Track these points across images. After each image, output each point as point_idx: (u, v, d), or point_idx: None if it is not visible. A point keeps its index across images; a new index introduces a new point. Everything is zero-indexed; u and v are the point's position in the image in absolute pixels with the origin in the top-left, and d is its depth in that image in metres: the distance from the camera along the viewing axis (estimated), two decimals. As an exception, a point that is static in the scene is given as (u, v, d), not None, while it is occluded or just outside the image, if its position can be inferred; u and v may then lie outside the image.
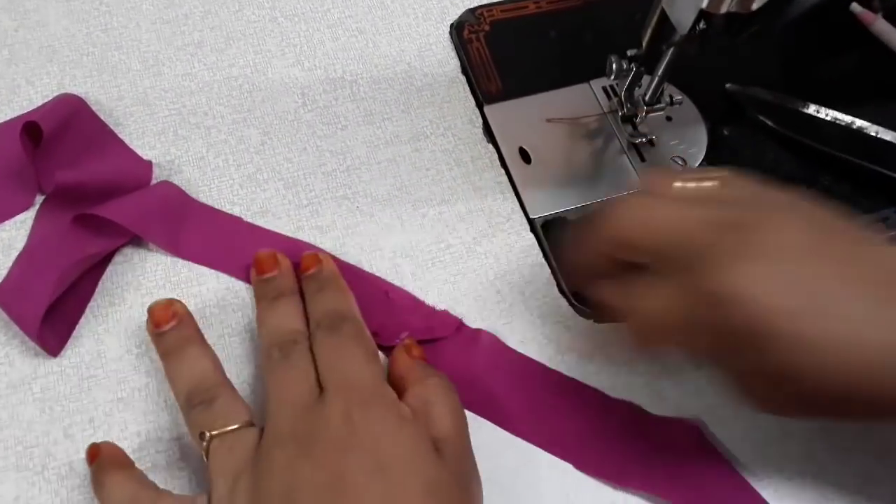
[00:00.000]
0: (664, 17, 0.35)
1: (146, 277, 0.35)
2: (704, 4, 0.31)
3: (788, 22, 0.32)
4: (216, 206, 0.37)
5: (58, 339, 0.33)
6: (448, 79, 0.42)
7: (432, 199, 0.39)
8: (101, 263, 0.35)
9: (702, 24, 0.32)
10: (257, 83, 0.41)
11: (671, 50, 0.36)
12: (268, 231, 0.36)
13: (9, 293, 0.33)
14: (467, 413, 0.31)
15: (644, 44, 0.37)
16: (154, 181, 0.37)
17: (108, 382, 0.32)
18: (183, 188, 0.37)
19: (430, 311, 0.35)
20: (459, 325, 0.35)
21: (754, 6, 0.30)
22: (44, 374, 0.32)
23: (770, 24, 0.31)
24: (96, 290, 0.34)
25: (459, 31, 0.43)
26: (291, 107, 0.40)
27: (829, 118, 0.42)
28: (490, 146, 0.40)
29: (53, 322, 0.33)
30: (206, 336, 0.32)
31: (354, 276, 0.35)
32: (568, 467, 0.32)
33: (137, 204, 0.35)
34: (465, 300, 0.36)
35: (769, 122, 0.42)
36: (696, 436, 0.33)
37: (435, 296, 0.36)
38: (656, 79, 0.38)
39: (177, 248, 0.35)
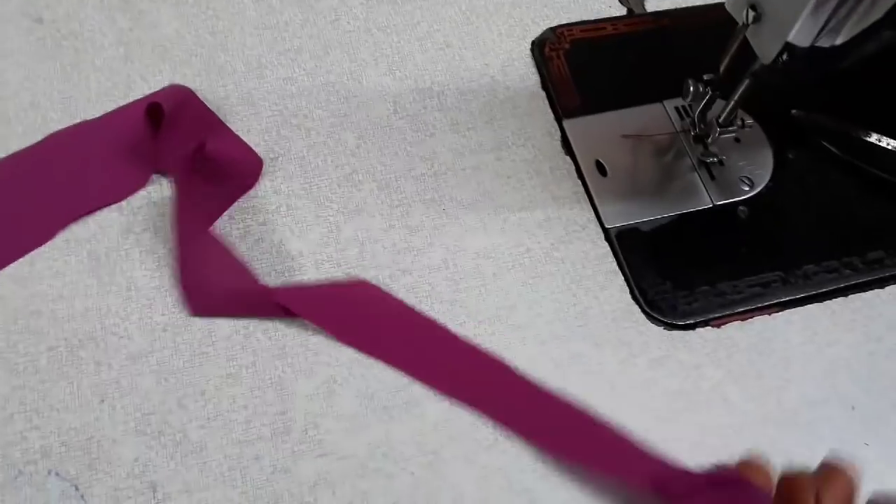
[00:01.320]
0: (744, 45, 0.37)
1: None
2: (791, 37, 0.33)
3: (867, 57, 0.34)
4: (316, 204, 0.40)
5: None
6: (529, 93, 0.45)
7: (513, 205, 0.41)
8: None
9: (784, 56, 0.35)
10: (353, 90, 0.43)
11: (750, 78, 0.38)
12: (466, 343, 0.37)
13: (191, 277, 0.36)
14: None
15: (721, 69, 0.40)
16: (261, 177, 0.40)
17: (217, 359, 0.35)
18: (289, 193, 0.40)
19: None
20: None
21: (839, 41, 0.33)
22: (160, 349, 0.35)
23: (852, 58, 0.33)
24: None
25: (541, 49, 0.46)
26: (384, 113, 0.43)
27: (890, 147, 0.44)
28: (568, 158, 0.43)
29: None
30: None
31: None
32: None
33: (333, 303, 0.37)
34: (544, 301, 0.38)
35: (832, 149, 0.44)
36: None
37: (515, 297, 0.38)
38: (732, 103, 0.40)
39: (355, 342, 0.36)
